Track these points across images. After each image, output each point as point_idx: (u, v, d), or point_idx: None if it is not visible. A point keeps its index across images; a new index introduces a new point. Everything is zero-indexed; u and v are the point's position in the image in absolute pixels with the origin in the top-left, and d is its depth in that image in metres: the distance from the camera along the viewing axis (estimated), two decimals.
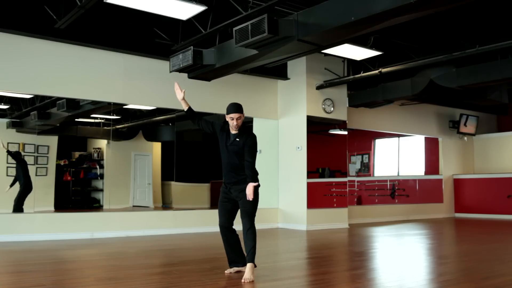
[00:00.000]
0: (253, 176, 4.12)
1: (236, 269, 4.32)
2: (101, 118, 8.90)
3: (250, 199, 4.07)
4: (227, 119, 4.20)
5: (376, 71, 8.05)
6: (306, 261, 5.47)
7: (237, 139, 4.17)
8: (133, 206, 9.42)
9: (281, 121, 9.44)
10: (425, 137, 12.36)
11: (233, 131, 4.21)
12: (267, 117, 9.30)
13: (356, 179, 11.23)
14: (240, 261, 4.32)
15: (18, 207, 7.40)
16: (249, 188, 4.08)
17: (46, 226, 6.90)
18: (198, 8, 5.83)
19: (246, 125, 9.51)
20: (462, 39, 7.07)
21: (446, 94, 9.44)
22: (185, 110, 4.37)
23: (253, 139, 4.19)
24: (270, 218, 8.99)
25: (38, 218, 7.00)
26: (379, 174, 11.93)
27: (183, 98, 4.35)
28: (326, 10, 5.14)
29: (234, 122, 4.14)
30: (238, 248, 4.35)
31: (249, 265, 4.06)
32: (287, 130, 9.29)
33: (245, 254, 4.17)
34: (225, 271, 4.31)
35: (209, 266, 4.75)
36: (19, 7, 6.55)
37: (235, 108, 4.16)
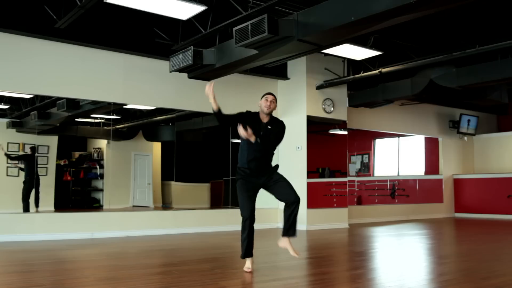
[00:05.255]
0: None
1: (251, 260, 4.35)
2: (101, 118, 8.90)
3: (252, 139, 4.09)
4: (261, 103, 4.34)
5: (376, 71, 8.05)
6: (306, 261, 5.46)
7: (269, 127, 4.34)
8: (133, 206, 9.40)
9: None
10: (425, 137, 12.35)
11: (265, 119, 4.31)
12: None
13: (356, 179, 11.23)
14: (251, 252, 4.37)
15: (25, 205, 7.40)
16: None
17: (46, 226, 6.90)
18: (198, 8, 5.84)
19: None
20: (462, 39, 7.07)
21: (446, 94, 9.44)
22: (216, 111, 4.27)
23: (281, 125, 4.43)
24: (270, 218, 8.97)
25: (38, 218, 7.01)
26: (379, 174, 11.93)
27: (214, 99, 4.28)
28: (326, 10, 5.14)
29: (268, 103, 4.32)
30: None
31: (290, 239, 4.21)
32: (287, 130, 9.17)
33: (289, 225, 4.25)
34: (246, 269, 4.31)
35: (209, 266, 4.75)
36: (19, 7, 6.55)
37: (271, 92, 4.45)
